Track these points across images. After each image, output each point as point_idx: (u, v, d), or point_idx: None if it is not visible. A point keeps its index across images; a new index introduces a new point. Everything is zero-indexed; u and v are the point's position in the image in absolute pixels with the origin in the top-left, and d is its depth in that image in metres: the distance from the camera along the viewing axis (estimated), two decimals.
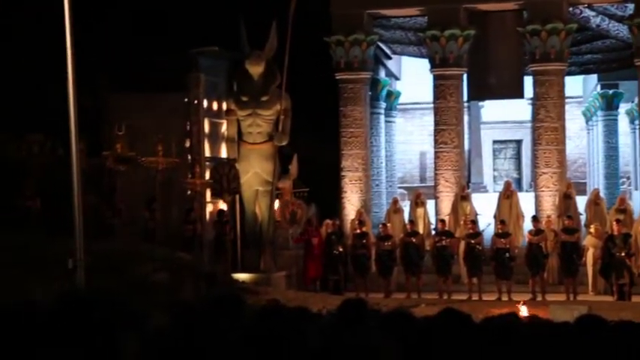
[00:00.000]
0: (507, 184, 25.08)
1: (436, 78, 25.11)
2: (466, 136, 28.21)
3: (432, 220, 24.48)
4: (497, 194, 25.52)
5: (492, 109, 33.80)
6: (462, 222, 23.00)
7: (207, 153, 22.93)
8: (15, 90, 24.51)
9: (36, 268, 15.34)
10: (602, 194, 25.77)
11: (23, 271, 14.98)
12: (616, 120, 32.33)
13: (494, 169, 36.19)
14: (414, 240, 22.22)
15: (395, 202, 25.30)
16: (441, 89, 24.94)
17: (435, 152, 25.28)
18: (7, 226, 17.57)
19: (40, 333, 2.64)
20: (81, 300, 2.71)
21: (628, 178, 33.07)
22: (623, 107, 32.42)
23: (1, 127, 18.68)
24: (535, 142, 25.15)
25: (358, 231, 22.91)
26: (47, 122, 20.39)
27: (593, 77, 31.93)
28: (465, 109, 28.04)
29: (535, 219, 22.47)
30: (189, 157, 22.09)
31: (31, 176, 19.12)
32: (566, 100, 25.54)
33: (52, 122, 19.77)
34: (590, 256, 21.50)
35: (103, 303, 2.54)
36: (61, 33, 14.06)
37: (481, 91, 26.91)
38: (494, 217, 23.74)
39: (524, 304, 17.04)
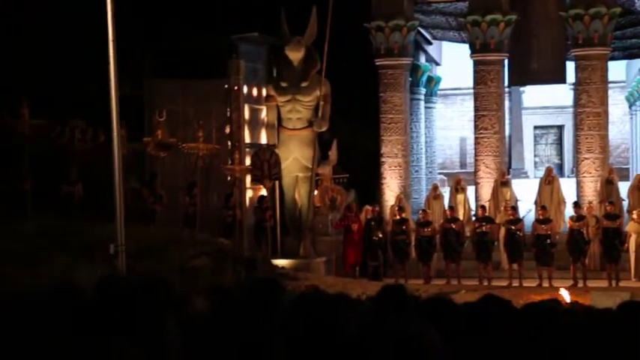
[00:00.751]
0: (548, 170, 24.88)
1: (477, 63, 24.94)
2: (507, 121, 28.03)
3: (472, 206, 24.38)
4: (538, 180, 25.33)
5: (534, 95, 33.56)
6: (502, 208, 22.86)
7: (247, 139, 22.99)
8: (57, 76, 24.73)
9: (78, 253, 15.51)
10: None
11: (66, 257, 15.15)
12: None
13: (535, 155, 35.94)
14: (453, 226, 22.14)
15: (435, 188, 25.22)
16: (482, 75, 24.77)
17: (476, 138, 25.13)
18: (51, 212, 17.77)
19: (84, 318, 2.67)
20: (126, 284, 2.74)
21: None
22: None
23: (44, 113, 18.84)
24: (577, 127, 24.91)
25: (398, 217, 22.87)
26: (89, 109, 20.55)
27: (637, 62, 31.54)
28: (506, 95, 27.87)
29: (577, 205, 22.29)
30: (230, 144, 22.15)
31: (74, 163, 19.28)
32: (609, 85, 25.24)
33: (94, 109, 19.92)
34: (632, 243, 21.27)
35: (148, 287, 2.56)
36: (103, 19, 14.15)
37: (522, 77, 26.69)
38: (535, 203, 23.59)
39: (566, 290, 16.94)
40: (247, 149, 22.66)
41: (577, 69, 24.43)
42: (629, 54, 29.58)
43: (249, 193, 23.06)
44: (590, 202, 22.95)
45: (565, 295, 15.71)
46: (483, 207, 22.92)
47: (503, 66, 25.25)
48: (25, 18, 24.67)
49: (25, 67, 24.05)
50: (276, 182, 22.51)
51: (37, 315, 4.03)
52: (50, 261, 14.62)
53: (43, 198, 18.94)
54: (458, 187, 24.73)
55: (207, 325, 2.56)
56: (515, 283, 21.19)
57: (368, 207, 23.30)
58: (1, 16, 23.93)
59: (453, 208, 23.24)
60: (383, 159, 25.42)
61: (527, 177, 32.79)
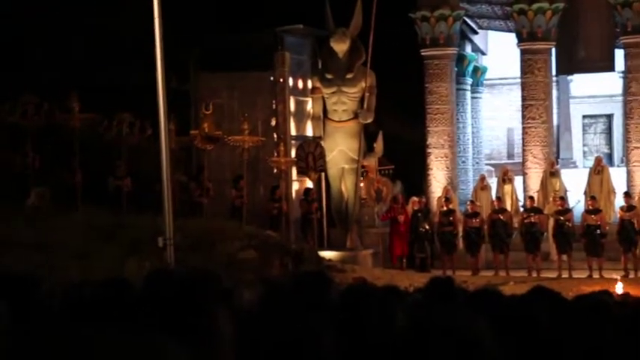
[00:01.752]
0: (598, 160, 24.59)
1: (523, 52, 24.70)
2: (555, 110, 27.71)
3: (520, 196, 24.19)
4: (587, 170, 25.05)
5: (582, 83, 33.12)
6: (551, 198, 22.65)
7: (293, 131, 23.01)
8: (104, 69, 24.96)
9: (127, 246, 15.66)
10: None
11: (115, 250, 15.31)
12: None
13: (584, 145, 35.49)
14: (501, 217, 21.98)
15: (482, 178, 25.05)
16: (529, 64, 24.53)
17: (523, 128, 24.90)
18: (99, 206, 17.96)
19: (134, 311, 2.69)
20: (175, 277, 2.75)
21: None
22: None
23: (92, 107, 19.03)
24: (627, 116, 24.57)
25: (445, 208, 22.76)
26: (136, 102, 20.71)
27: None
28: (554, 84, 27.55)
29: (627, 195, 22.01)
30: (275, 136, 22.20)
31: (122, 156, 19.45)
32: None
33: (141, 102, 20.08)
34: None
35: (198, 280, 2.57)
36: (150, 13, 14.25)
37: (570, 65, 26.39)
38: (585, 193, 23.32)
39: (620, 280, 16.76)
40: (293, 141, 22.69)
41: (626, 57, 24.08)
42: None
43: (295, 186, 23.09)
44: None
45: (618, 287, 15.52)
46: (532, 197, 22.73)
47: (551, 55, 24.98)
48: (73, 13, 24.92)
49: (73, 61, 24.31)
50: (322, 174, 22.52)
51: (87, 307, 4.07)
52: (100, 254, 14.78)
53: (92, 192, 19.14)
54: (505, 178, 24.53)
55: (255, 318, 2.56)
56: (565, 275, 20.99)
57: (415, 198, 23.21)
58: (50, 12, 24.21)
59: (500, 198, 23.07)
60: (429, 150, 25.29)
61: (576, 167, 32.41)
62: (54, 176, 19.67)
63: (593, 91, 33.85)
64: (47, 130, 18.91)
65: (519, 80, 25.21)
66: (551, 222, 21.76)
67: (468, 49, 29.25)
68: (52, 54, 23.77)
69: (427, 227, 22.46)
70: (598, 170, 23.73)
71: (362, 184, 22.82)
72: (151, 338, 1.80)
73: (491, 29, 29.86)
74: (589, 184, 23.48)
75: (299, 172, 22.51)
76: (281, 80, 22.43)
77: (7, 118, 18.16)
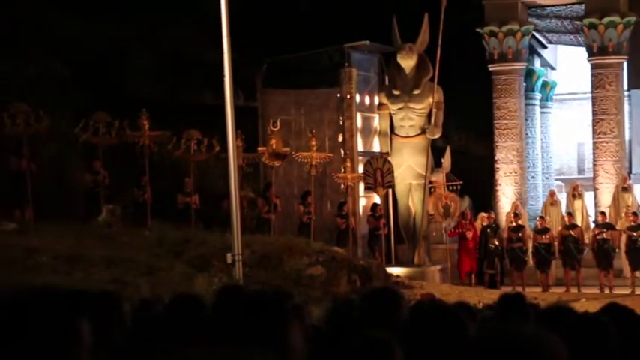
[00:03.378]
0: None
1: (594, 67, 24.35)
2: (626, 125, 27.24)
3: (590, 212, 23.82)
4: None
5: None
6: (623, 214, 22.26)
7: (360, 147, 23.01)
8: (172, 87, 25.29)
9: (196, 262, 15.80)
10: None
11: (184, 265, 15.45)
12: None
13: None
14: (572, 233, 21.68)
15: (552, 194, 24.74)
16: (599, 78, 24.18)
17: (594, 143, 24.53)
18: (169, 222, 18.16)
19: (204, 327, 2.70)
20: (246, 294, 2.76)
21: None
22: None
23: (161, 124, 19.30)
24: None
25: (514, 224, 22.53)
26: (204, 119, 20.94)
27: None
28: (625, 98, 27.09)
29: None
30: (342, 152, 22.22)
31: (190, 173, 19.66)
32: None
33: (209, 119, 20.30)
34: None
35: (270, 297, 2.57)
36: (218, 30, 14.41)
37: None
38: None
39: None
40: (360, 158, 22.68)
41: None
42: None
43: (362, 202, 23.06)
44: None
45: None
46: (603, 213, 22.36)
47: (622, 69, 24.59)
48: (143, 33, 25.33)
49: (143, 79, 24.69)
50: (390, 190, 22.46)
51: (158, 322, 4.11)
52: (169, 270, 14.93)
53: (161, 208, 19.38)
54: (575, 194, 24.19)
55: (325, 334, 2.56)
56: (638, 291, 20.57)
57: (483, 214, 23.02)
58: (121, 32, 24.63)
59: (571, 214, 22.75)
60: (497, 165, 25.06)
61: None
62: (124, 193, 19.97)
63: None
64: (118, 147, 19.22)
65: (589, 95, 24.85)
66: (624, 238, 21.38)
67: (537, 63, 28.95)
68: (123, 73, 24.17)
69: (496, 243, 22.25)
70: None
71: (430, 200, 22.69)
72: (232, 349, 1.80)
73: (561, 44, 29.52)
74: None
75: (366, 188, 22.49)
76: (348, 96, 22.45)
77: (80, 136, 18.50)
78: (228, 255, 14.53)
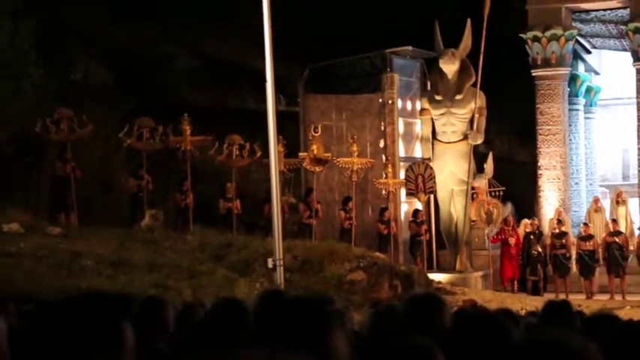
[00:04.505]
0: None
1: (639, 72, 24.07)
2: None
3: (635, 218, 23.53)
4: None
5: None
6: None
7: (402, 153, 22.95)
8: (215, 93, 25.43)
9: (238, 267, 15.86)
10: None
11: (226, 270, 15.51)
12: None
13: None
14: (617, 239, 21.42)
15: (596, 200, 24.49)
16: None
17: (639, 148, 24.24)
18: (210, 227, 18.25)
19: (247, 331, 2.71)
20: (289, 298, 2.76)
21: None
22: None
23: (203, 129, 19.42)
24: None
25: (557, 230, 22.33)
26: (246, 124, 21.03)
27: None
28: None
29: None
30: (384, 158, 22.18)
31: (232, 178, 19.73)
32: None
33: (251, 124, 20.39)
34: None
35: (313, 302, 2.57)
36: (260, 36, 14.45)
37: None
38: None
39: None
40: (401, 163, 22.62)
41: None
42: None
43: (404, 207, 23.00)
44: None
45: None
46: None
47: None
48: (187, 39, 25.49)
49: (186, 85, 24.86)
50: (431, 196, 22.37)
51: (201, 326, 4.12)
52: (211, 274, 15.00)
53: (203, 213, 19.48)
54: (619, 200, 23.93)
55: (368, 339, 2.55)
56: None
57: (526, 220, 22.85)
58: (164, 39, 24.81)
59: (615, 221, 22.50)
60: (540, 171, 24.85)
61: None
62: (166, 198, 20.11)
63: None
64: (161, 152, 19.36)
65: (634, 100, 24.56)
66: None
67: (581, 68, 28.67)
68: (167, 78, 24.36)
69: (539, 250, 22.07)
70: None
71: (472, 206, 22.57)
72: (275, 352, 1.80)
73: (605, 48, 29.21)
74: None
75: (408, 194, 22.42)
76: (390, 102, 22.41)
77: (124, 141, 18.66)
78: (270, 260, 14.56)
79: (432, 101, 22.36)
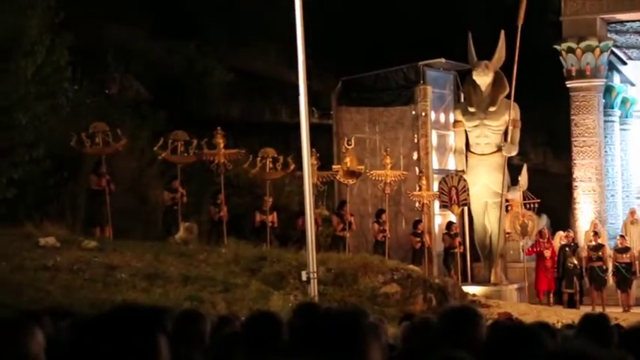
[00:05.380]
0: None
1: None
2: None
3: None
4: None
5: None
6: None
7: (435, 165, 22.88)
8: (249, 106, 25.54)
9: (272, 280, 15.87)
10: None
11: (259, 283, 15.53)
12: None
13: None
14: None
15: (632, 213, 24.26)
16: None
17: None
18: (244, 240, 18.29)
19: (282, 345, 2.71)
20: (323, 312, 2.75)
21: None
22: None
23: (237, 143, 19.49)
24: None
25: (593, 243, 22.14)
26: (279, 137, 21.08)
27: None
28: None
29: None
30: (417, 170, 22.12)
31: (267, 191, 19.77)
32: None
33: (284, 137, 20.43)
34: None
35: (349, 315, 2.56)
36: (294, 49, 14.50)
37: None
38: None
39: None
40: (435, 175, 22.54)
41: None
42: None
43: (437, 220, 22.90)
44: None
45: None
46: None
47: None
48: (220, 50, 25.64)
49: (220, 98, 24.99)
50: (465, 208, 22.27)
51: (236, 339, 4.12)
52: (245, 287, 15.02)
53: (237, 226, 19.54)
54: None
55: (403, 353, 2.54)
56: None
57: (561, 233, 22.67)
58: (195, 53, 24.97)
59: None
60: (576, 183, 24.66)
61: None
62: (200, 211, 20.19)
63: None
64: (195, 165, 19.45)
65: None
66: None
67: (617, 80, 28.43)
68: (201, 92, 24.50)
69: (575, 262, 21.89)
70: None
71: (507, 218, 22.44)
72: None
73: None
74: None
75: (442, 206, 22.34)
76: (423, 114, 22.36)
77: (158, 154, 18.77)
78: (304, 273, 14.57)
79: (465, 113, 22.29)
